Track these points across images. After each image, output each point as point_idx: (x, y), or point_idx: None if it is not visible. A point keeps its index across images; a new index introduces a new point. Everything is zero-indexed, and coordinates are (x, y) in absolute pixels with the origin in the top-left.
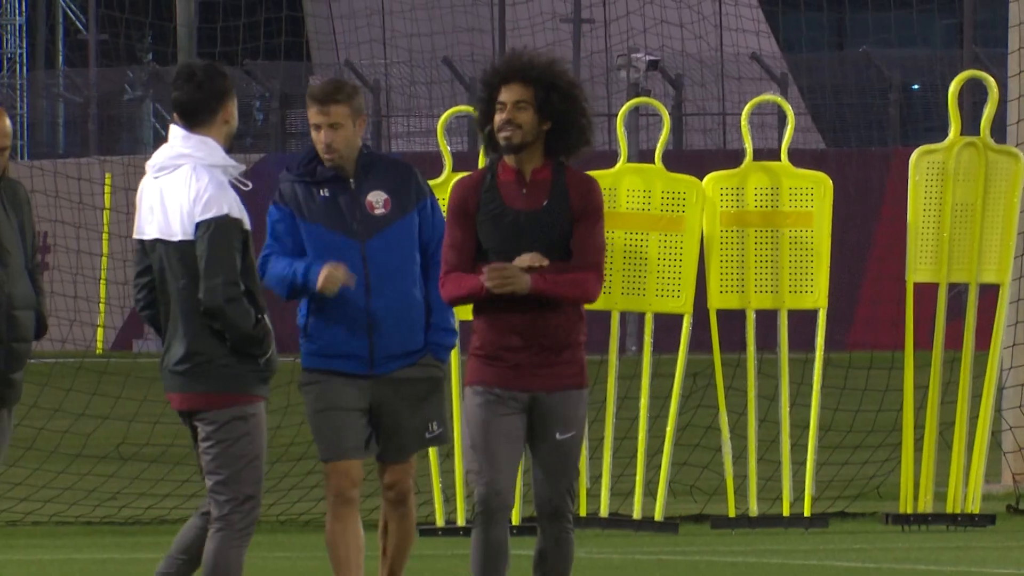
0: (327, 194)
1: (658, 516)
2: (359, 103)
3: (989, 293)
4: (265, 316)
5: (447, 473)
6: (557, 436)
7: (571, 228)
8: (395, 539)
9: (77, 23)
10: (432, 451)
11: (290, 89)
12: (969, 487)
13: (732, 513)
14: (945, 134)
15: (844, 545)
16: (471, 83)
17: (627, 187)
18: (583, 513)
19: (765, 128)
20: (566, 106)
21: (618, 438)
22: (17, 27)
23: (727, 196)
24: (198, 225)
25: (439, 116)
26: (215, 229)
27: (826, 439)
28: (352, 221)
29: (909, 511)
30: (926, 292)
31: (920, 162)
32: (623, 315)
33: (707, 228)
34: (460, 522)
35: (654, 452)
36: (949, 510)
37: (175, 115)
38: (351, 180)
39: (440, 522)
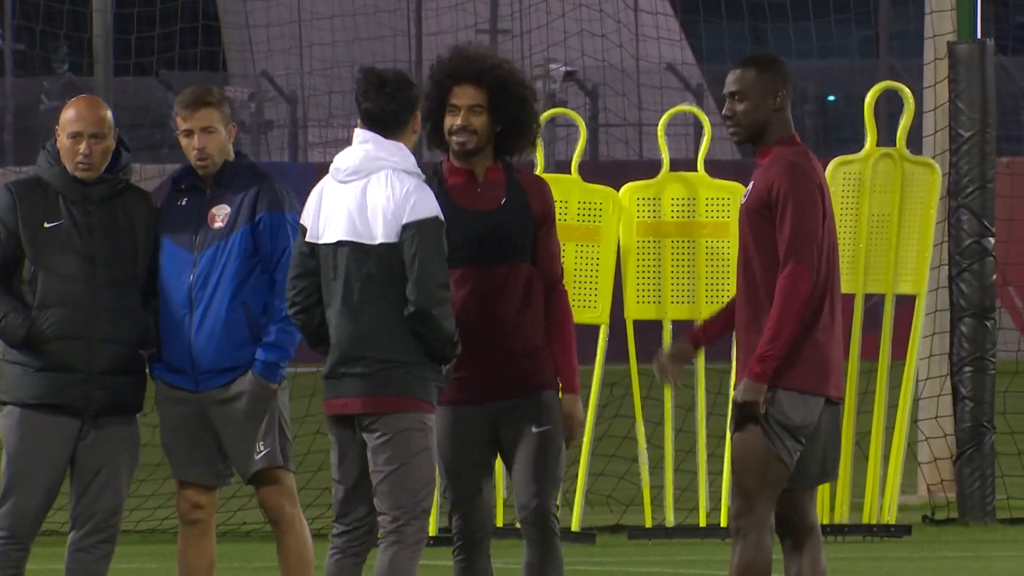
0: (183, 204)
1: (575, 527)
2: (227, 110)
3: (905, 304)
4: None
5: None
6: (533, 429)
7: (530, 228)
8: (282, 567)
9: None
10: None
11: None
12: (885, 497)
13: (649, 523)
14: (861, 145)
15: None
16: None
17: None
18: (500, 524)
19: (682, 138)
20: (519, 109)
21: None
22: None
23: (644, 206)
24: (405, 227)
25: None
26: (428, 230)
27: None
28: (193, 235)
29: (826, 521)
30: (843, 303)
31: (836, 173)
32: None
33: (624, 238)
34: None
35: (571, 462)
36: (865, 520)
37: (360, 121)
38: (207, 191)
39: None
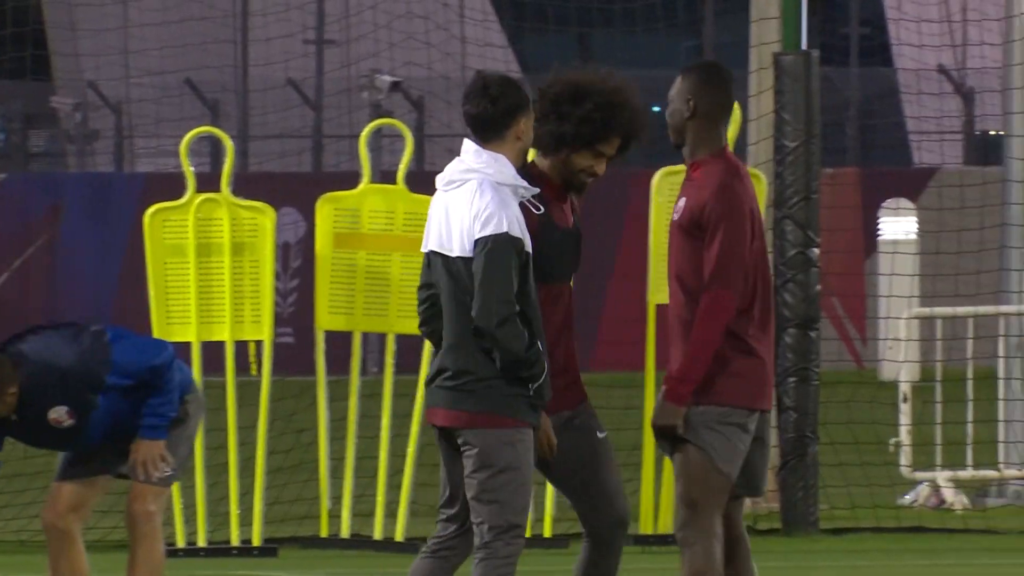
0: (15, 420)
1: (399, 537)
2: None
3: None
4: (541, 342)
5: (187, 489)
6: (599, 434)
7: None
8: (130, 570)
9: None
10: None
11: (33, 109)
12: None
13: None
14: None
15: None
16: (213, 104)
17: (370, 208)
18: (324, 534)
19: None
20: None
21: (359, 458)
22: None
23: None
24: (476, 242)
25: (183, 135)
26: (492, 246)
27: None
28: (51, 436)
29: (650, 532)
30: (667, 313)
31: (662, 183)
32: (364, 335)
33: None
34: (201, 542)
35: (395, 472)
36: None
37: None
38: (23, 413)
39: (181, 542)
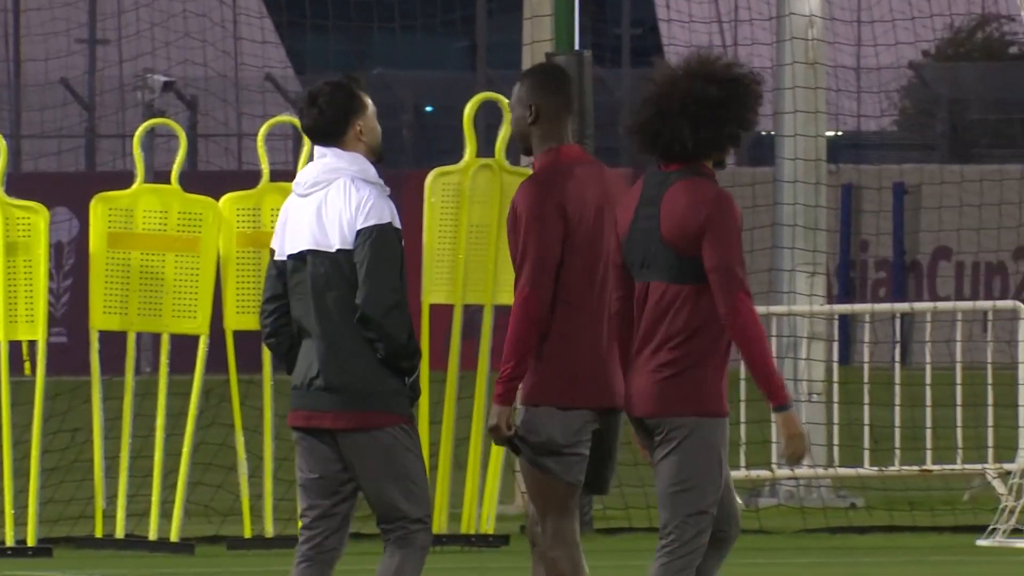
0: None
1: (174, 537)
2: None
3: (505, 314)
4: (414, 336)
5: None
6: None
7: None
8: None
9: None
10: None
11: None
12: (484, 507)
13: (248, 534)
14: (460, 156)
15: (358, 567)
16: None
17: (144, 208)
18: (99, 534)
19: (281, 148)
20: None
21: (134, 457)
22: None
23: (244, 217)
24: (359, 232)
25: None
26: (378, 236)
27: None
28: None
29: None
30: (441, 313)
31: (435, 184)
32: (138, 335)
33: (223, 249)
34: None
35: (168, 471)
36: (464, 531)
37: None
38: None
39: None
